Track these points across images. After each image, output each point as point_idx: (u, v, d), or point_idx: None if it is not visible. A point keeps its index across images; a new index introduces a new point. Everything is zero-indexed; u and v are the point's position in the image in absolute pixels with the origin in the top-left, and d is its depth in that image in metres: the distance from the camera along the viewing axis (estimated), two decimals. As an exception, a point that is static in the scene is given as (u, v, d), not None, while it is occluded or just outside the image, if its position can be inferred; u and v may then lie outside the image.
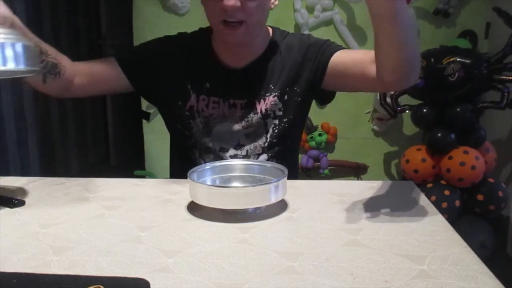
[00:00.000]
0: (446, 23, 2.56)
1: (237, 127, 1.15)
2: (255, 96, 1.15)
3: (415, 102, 2.34)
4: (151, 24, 2.70)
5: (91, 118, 4.21)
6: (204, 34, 1.20)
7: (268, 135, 1.16)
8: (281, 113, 1.15)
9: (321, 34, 2.66)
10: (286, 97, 1.15)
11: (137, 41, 2.78)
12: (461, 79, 2.12)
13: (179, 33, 1.23)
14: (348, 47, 2.59)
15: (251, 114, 1.15)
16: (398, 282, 0.59)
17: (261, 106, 1.15)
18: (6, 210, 0.87)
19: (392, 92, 2.35)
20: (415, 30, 0.96)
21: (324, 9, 2.56)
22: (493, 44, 2.47)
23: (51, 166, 3.48)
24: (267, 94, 1.15)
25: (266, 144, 1.16)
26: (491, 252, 2.22)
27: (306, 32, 2.56)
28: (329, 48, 1.15)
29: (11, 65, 0.79)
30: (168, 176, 1.29)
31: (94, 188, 1.00)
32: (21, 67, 0.81)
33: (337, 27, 2.58)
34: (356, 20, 2.60)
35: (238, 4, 1.02)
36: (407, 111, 2.39)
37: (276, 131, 1.16)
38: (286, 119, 1.16)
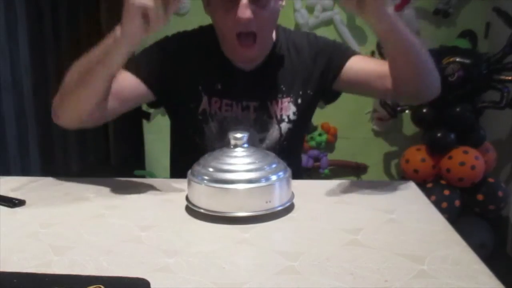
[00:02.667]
0: (446, 23, 2.55)
1: (251, 131, 1.10)
2: (267, 97, 1.14)
3: (415, 102, 2.34)
4: (151, 24, 2.69)
5: (91, 118, 4.20)
6: (209, 33, 1.14)
7: (282, 139, 1.15)
8: (295, 117, 1.15)
9: (321, 34, 2.64)
10: (299, 100, 1.15)
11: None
12: (461, 79, 2.12)
13: (179, 33, 1.18)
14: (348, 47, 2.59)
15: (264, 117, 1.14)
16: (398, 282, 0.59)
17: (275, 109, 1.14)
18: (6, 210, 0.87)
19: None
20: (420, 46, 1.02)
21: (324, 9, 2.56)
22: (493, 44, 2.46)
23: (51, 166, 3.48)
24: (279, 96, 1.14)
25: (278, 147, 1.15)
26: (491, 252, 2.22)
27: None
28: (341, 53, 1.15)
29: None
30: (168, 176, 1.29)
31: (94, 188, 1.00)
32: None
33: (337, 27, 2.58)
34: (356, 20, 2.59)
35: (252, 15, 1.00)
36: (407, 111, 2.39)
37: (288, 133, 1.16)
38: (298, 122, 1.16)
